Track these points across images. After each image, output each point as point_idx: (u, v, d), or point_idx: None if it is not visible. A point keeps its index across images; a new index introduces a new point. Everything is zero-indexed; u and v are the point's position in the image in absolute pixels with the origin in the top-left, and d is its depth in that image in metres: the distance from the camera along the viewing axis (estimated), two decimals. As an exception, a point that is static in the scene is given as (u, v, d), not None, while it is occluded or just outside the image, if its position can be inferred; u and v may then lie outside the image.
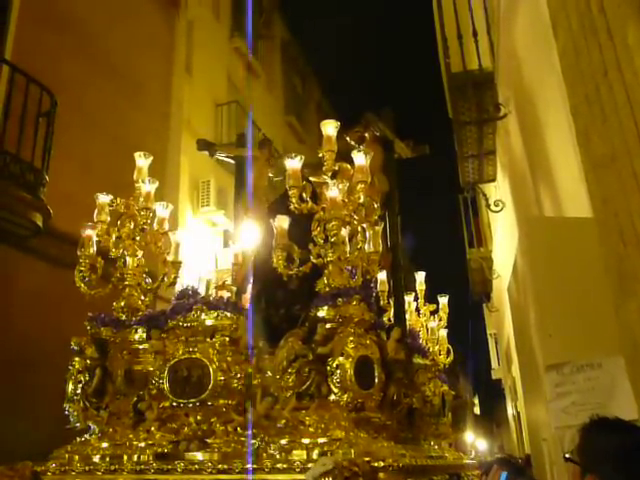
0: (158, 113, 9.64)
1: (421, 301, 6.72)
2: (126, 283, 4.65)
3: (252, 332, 4.12)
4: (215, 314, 4.17)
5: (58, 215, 6.37)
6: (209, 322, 4.17)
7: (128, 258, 4.69)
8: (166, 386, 3.99)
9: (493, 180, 9.86)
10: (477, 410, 31.64)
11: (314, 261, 4.29)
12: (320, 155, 4.45)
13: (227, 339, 4.12)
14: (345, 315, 3.95)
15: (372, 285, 4.49)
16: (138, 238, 4.71)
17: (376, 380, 3.86)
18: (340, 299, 3.99)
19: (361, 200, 4.27)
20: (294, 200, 4.32)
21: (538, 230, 4.63)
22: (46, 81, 6.48)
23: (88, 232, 4.53)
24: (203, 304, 4.19)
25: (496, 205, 9.16)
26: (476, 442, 27.32)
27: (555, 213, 5.45)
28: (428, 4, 9.39)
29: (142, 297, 4.71)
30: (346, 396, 3.78)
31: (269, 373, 4.04)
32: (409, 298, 6.62)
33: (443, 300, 6.83)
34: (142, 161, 4.83)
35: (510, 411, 15.81)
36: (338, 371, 3.82)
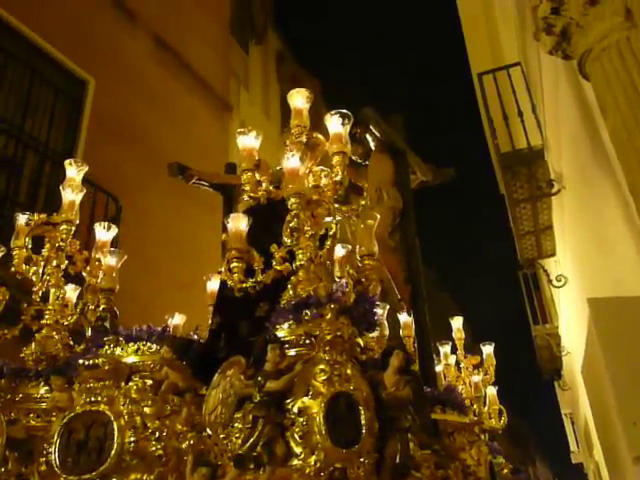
0: (212, 208, 9.21)
1: (460, 352, 5.08)
2: (43, 322, 3.29)
3: (185, 369, 2.64)
4: (134, 348, 2.73)
5: (124, 316, 5.57)
6: (129, 359, 2.73)
7: (51, 289, 3.36)
8: (54, 457, 2.51)
9: (553, 255, 9.09)
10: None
11: (278, 268, 2.86)
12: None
13: (149, 382, 2.65)
14: (313, 333, 2.45)
15: (372, 302, 2.92)
16: (63, 266, 3.39)
17: (363, 431, 2.27)
18: (307, 311, 2.51)
19: (338, 178, 2.85)
20: (248, 187, 2.98)
21: (608, 311, 4.31)
22: (110, 187, 6.67)
23: (-14, 254, 3.26)
24: (120, 335, 2.77)
25: (558, 280, 8.54)
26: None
27: (622, 290, 4.82)
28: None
29: (70, 341, 3.34)
30: (314, 458, 2.20)
31: (208, 430, 2.51)
32: (445, 349, 5.01)
33: (487, 349, 5.16)
34: (72, 171, 3.62)
35: (597, 500, 13.24)
36: (301, 419, 2.27)
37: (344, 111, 2.98)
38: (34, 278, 3.42)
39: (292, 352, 2.48)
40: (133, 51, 8.43)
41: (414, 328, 4.28)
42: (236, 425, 2.42)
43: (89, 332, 3.44)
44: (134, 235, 6.90)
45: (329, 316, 2.48)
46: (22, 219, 3.47)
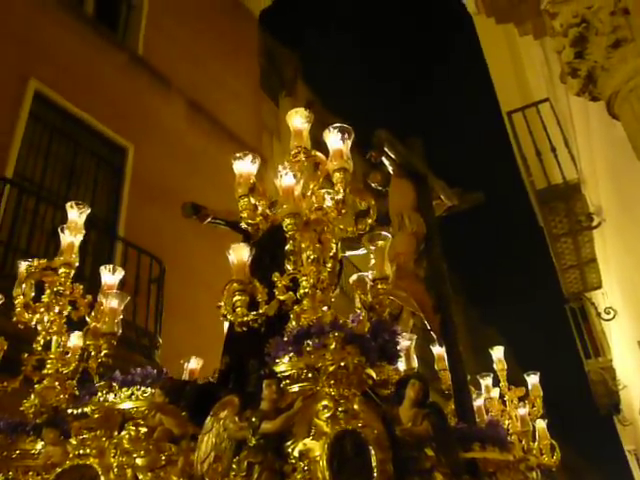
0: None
1: (502, 384, 4.66)
2: (44, 372, 3.10)
3: (179, 414, 2.38)
4: (128, 393, 2.49)
5: (172, 373, 5.62)
6: (124, 406, 2.49)
7: (54, 337, 3.18)
8: (41, 518, 2.26)
9: (599, 287, 8.79)
10: None
11: (281, 298, 2.60)
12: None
13: (142, 430, 2.39)
14: (315, 366, 2.17)
15: (392, 331, 2.59)
16: (65, 312, 3.22)
17: (375, 475, 1.95)
18: (308, 342, 2.23)
19: (340, 196, 2.61)
20: (245, 214, 2.76)
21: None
22: (153, 248, 6.71)
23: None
24: (114, 380, 2.54)
25: (607, 313, 8.23)
26: None
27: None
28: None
29: (75, 392, 3.12)
30: (318, 510, 1.90)
31: (207, 481, 2.23)
32: (486, 381, 4.60)
33: (533, 379, 4.73)
34: (74, 213, 3.47)
35: None
36: (303, 464, 1.97)
37: (343, 125, 2.76)
38: (39, 327, 3.25)
39: (295, 388, 2.20)
40: (168, 115, 8.61)
41: (447, 359, 3.93)
42: (231, 474, 2.14)
43: (97, 380, 3.23)
44: (178, 294, 7.03)
45: (333, 346, 2.19)
46: (23, 266, 3.32)
